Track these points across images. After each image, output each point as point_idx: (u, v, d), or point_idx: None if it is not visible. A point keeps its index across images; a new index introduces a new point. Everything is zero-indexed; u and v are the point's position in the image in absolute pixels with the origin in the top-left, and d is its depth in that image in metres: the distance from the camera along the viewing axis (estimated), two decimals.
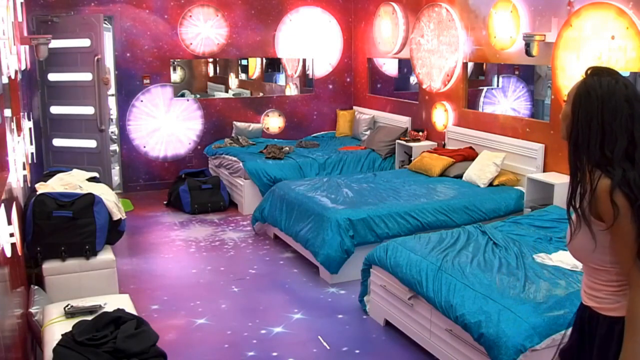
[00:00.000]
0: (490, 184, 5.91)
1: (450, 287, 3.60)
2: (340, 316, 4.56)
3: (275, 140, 8.63)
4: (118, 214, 4.67)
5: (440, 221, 5.33)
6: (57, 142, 7.73)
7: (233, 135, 8.45)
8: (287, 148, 7.80)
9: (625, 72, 5.40)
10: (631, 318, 1.86)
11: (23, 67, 5.27)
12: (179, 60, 9.41)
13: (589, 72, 1.96)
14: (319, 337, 4.22)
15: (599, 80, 1.91)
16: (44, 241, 4.29)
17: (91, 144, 7.44)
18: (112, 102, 8.50)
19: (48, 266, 4.30)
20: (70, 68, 7.31)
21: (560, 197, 5.19)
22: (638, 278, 1.85)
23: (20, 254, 3.58)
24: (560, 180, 5.30)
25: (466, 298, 3.45)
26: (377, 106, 8.66)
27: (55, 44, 7.07)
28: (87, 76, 7.28)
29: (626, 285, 1.91)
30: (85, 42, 7.23)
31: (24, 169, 4.13)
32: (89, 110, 7.37)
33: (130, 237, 6.18)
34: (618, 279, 1.93)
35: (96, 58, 7.13)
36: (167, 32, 8.12)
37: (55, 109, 7.63)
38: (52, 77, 7.55)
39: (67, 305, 3.55)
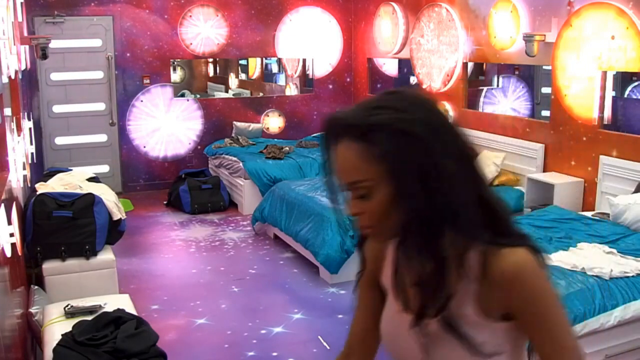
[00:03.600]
0: (490, 184, 5.91)
1: None
2: (340, 316, 4.56)
3: (275, 140, 8.62)
4: (118, 214, 4.67)
5: None
6: (61, 140, 7.80)
7: (233, 135, 8.44)
8: (287, 148, 7.80)
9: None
10: None
11: (23, 67, 5.27)
12: (179, 60, 9.40)
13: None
14: (319, 337, 4.22)
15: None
16: (44, 241, 4.28)
17: (102, 138, 8.08)
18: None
19: (48, 266, 4.29)
20: (79, 67, 7.80)
21: (560, 197, 5.19)
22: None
23: (20, 254, 3.58)
24: (560, 180, 5.30)
25: None
26: None
27: (64, 44, 7.38)
28: (97, 74, 7.90)
29: None
30: (96, 42, 7.86)
31: (24, 169, 4.13)
32: (99, 106, 7.98)
33: (130, 237, 6.16)
34: None
35: (108, 56, 7.87)
36: (167, 32, 8.12)
37: (58, 108, 7.71)
38: (56, 76, 7.64)
39: (67, 305, 3.54)
